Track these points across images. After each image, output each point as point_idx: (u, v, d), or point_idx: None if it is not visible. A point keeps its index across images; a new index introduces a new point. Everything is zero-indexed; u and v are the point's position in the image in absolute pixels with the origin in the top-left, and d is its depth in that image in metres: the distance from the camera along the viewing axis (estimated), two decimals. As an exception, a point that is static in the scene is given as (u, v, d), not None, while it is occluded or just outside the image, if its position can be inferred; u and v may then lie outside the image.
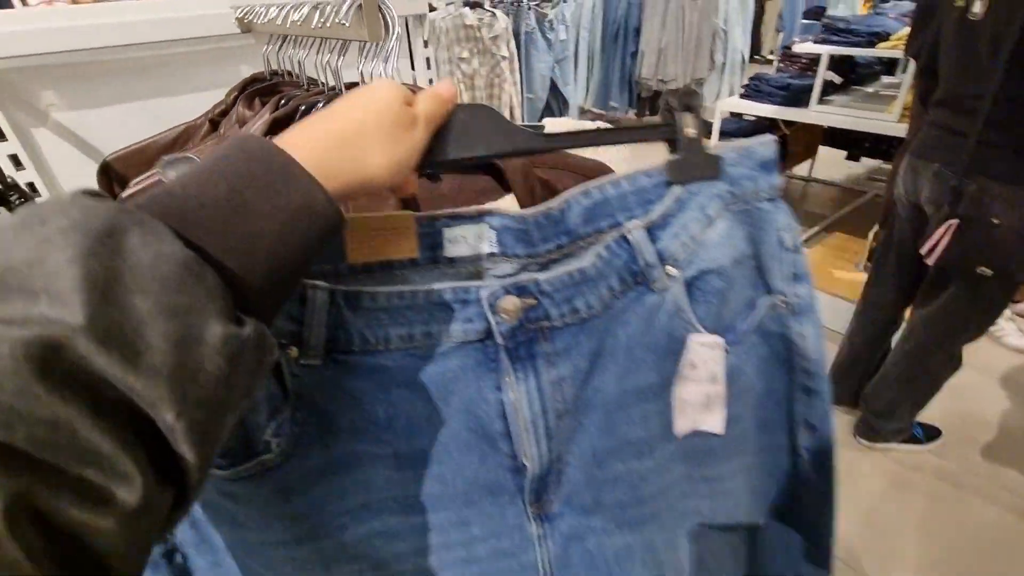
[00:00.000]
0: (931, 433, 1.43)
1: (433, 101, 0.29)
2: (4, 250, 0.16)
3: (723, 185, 0.35)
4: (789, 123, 2.51)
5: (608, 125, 0.41)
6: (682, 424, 0.37)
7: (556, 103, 3.22)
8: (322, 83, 0.51)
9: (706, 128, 2.57)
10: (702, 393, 0.36)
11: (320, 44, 0.50)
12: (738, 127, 2.56)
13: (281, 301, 0.23)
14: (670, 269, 0.34)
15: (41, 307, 0.15)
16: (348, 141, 0.25)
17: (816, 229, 2.55)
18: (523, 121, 3.07)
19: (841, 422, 1.51)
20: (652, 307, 0.34)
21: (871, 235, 1.75)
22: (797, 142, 2.94)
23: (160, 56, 0.72)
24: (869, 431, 1.42)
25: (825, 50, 2.05)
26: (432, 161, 0.30)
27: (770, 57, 5.18)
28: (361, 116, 0.26)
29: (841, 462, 1.40)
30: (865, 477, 1.36)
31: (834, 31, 2.05)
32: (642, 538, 0.38)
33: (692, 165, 0.34)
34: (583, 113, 4.66)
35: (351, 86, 0.51)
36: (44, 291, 0.16)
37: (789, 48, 2.52)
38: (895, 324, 1.38)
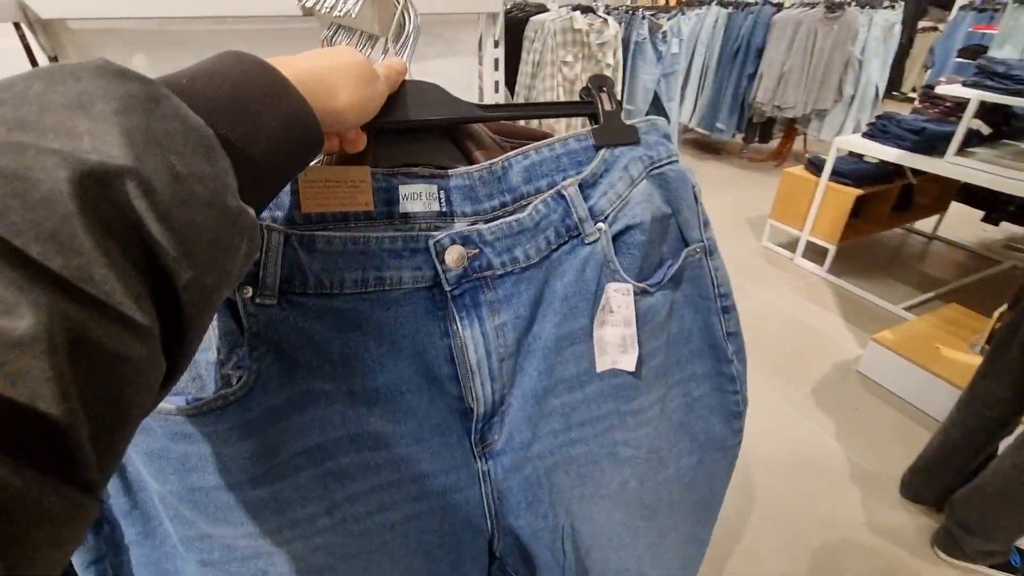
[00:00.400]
0: (1033, 563, 1.19)
1: (389, 68, 0.33)
2: (38, 95, 0.16)
3: (641, 149, 0.41)
4: (918, 171, 2.22)
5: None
6: (602, 363, 0.42)
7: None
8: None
9: (817, 166, 2.34)
10: (619, 335, 0.41)
11: (359, 34, 0.48)
12: (854, 168, 2.30)
13: (267, 200, 0.25)
14: (600, 224, 0.39)
15: (85, 146, 0.16)
16: (322, 77, 0.27)
17: (930, 295, 2.25)
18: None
19: (916, 525, 1.30)
20: (584, 258, 0.39)
21: (996, 314, 1.50)
22: (925, 194, 2.61)
23: (230, 31, 0.74)
24: (952, 545, 1.20)
25: (975, 95, 1.78)
26: (385, 121, 0.34)
27: (912, 95, 4.66)
28: (332, 63, 0.28)
29: (912, 572, 1.21)
30: (936, 596, 1.16)
31: (990, 75, 1.78)
32: (566, 456, 0.43)
33: (614, 131, 0.40)
34: (685, 132, 4.45)
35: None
36: (89, 133, 0.16)
37: (931, 88, 2.22)
38: (1006, 428, 1.16)
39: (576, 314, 0.40)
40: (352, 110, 0.29)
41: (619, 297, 0.40)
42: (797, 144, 4.08)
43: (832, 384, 1.77)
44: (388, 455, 0.38)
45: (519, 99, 2.65)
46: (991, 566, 1.18)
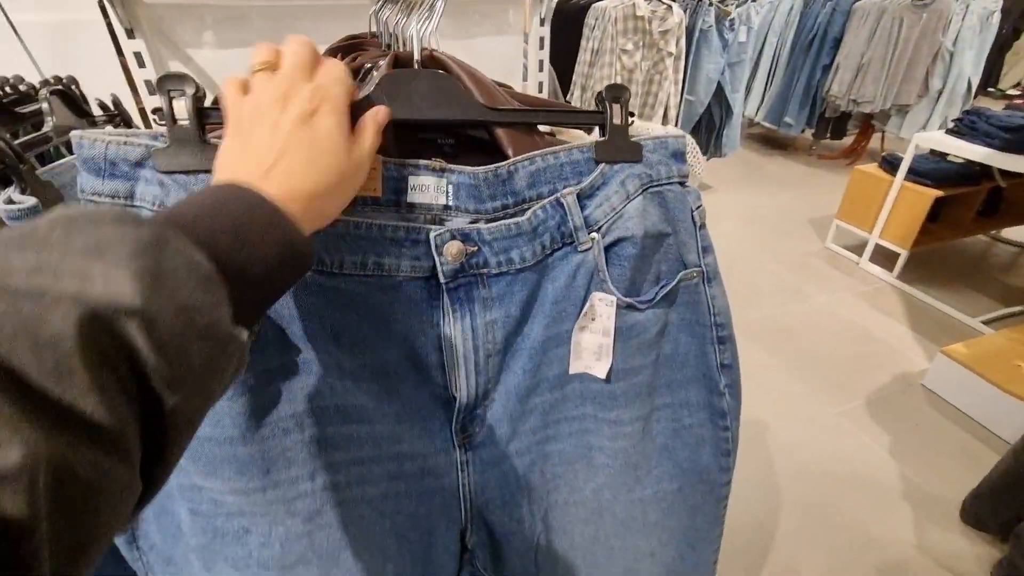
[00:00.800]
0: (1111, 609, 1.07)
1: (373, 132, 0.32)
2: (59, 241, 0.18)
3: (642, 168, 0.41)
4: (1008, 173, 2.02)
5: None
6: (576, 366, 0.43)
7: (719, 110, 2.96)
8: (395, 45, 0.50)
9: (892, 164, 2.18)
10: (596, 343, 0.42)
11: (398, 5, 0.48)
12: (935, 168, 2.13)
13: (260, 317, 0.27)
14: (593, 234, 0.40)
15: (97, 288, 0.18)
16: (315, 199, 0.28)
17: (1014, 309, 2.05)
18: (676, 124, 2.88)
19: (975, 553, 1.21)
20: (576, 265, 0.40)
21: (1089, 334, 1.35)
22: (1016, 198, 2.38)
23: (291, 7, 0.77)
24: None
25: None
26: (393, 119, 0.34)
27: (1012, 92, 4.24)
28: (324, 178, 0.29)
29: None
30: (992, 631, 1.07)
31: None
32: (542, 453, 0.45)
33: (617, 148, 0.41)
34: (750, 126, 4.25)
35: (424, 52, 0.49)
36: (102, 275, 0.18)
37: (1033, 81, 2.01)
38: (1090, 455, 1.05)
39: (564, 318, 0.41)
40: (337, 212, 0.31)
41: (602, 307, 0.41)
42: (873, 142, 3.82)
43: (891, 397, 1.66)
44: (370, 430, 0.39)
45: (575, 88, 2.62)
46: (1060, 605, 1.08)
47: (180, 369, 0.19)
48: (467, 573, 0.45)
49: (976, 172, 2.17)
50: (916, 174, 2.13)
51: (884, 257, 2.30)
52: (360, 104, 0.33)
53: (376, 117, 0.33)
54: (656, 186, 0.42)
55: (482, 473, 0.43)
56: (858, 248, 2.42)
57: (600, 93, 0.40)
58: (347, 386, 0.37)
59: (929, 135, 2.04)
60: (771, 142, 4.23)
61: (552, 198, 0.39)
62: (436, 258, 0.36)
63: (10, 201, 0.28)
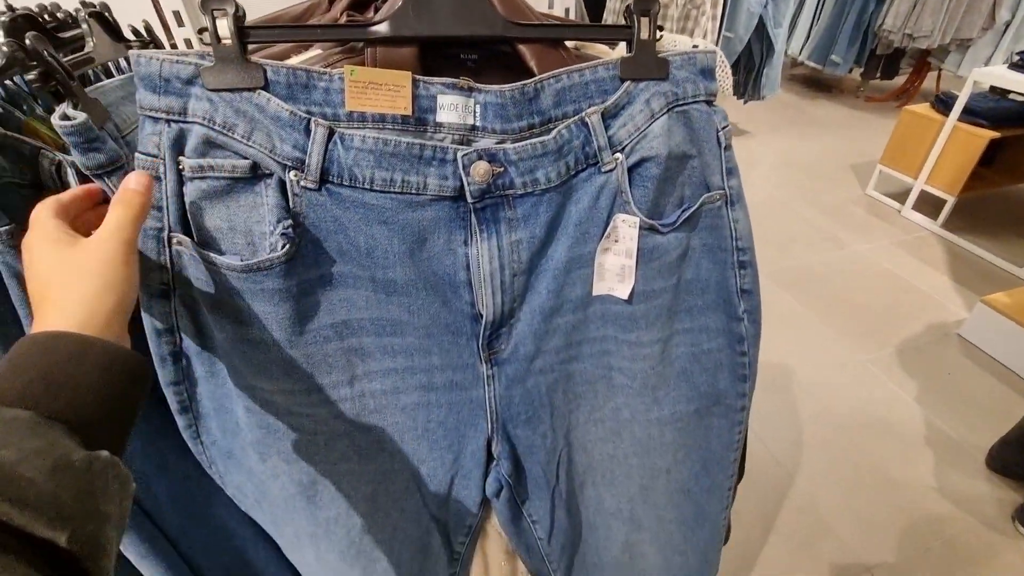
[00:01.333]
0: None
1: (117, 211, 0.30)
2: None
3: (668, 85, 0.41)
4: (1076, 112, 1.87)
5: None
6: (599, 287, 0.44)
7: (760, 47, 2.78)
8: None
9: (947, 103, 2.05)
10: (619, 264, 0.43)
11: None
12: (993, 107, 1.99)
13: (124, 438, 0.28)
14: (617, 154, 0.40)
15: None
16: (96, 304, 0.28)
17: (1066, 259, 1.95)
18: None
19: (997, 498, 1.21)
20: (599, 187, 0.41)
21: None
22: (1082, 140, 2.20)
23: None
24: (1036, 520, 1.11)
25: None
26: (415, 36, 0.36)
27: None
28: (88, 287, 0.28)
29: (982, 546, 1.15)
30: (1007, 568, 1.09)
31: None
32: (565, 373, 0.47)
33: (643, 65, 0.40)
34: (793, 66, 4.01)
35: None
36: None
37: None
38: None
39: (587, 239, 0.42)
40: (128, 291, 0.30)
41: (625, 228, 0.41)
42: (928, 82, 3.56)
43: (925, 346, 1.62)
44: (403, 342, 0.42)
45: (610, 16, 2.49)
46: (1081, 549, 1.09)
47: (51, 508, 0.21)
48: (493, 479, 0.48)
49: (1039, 111, 2.02)
50: (971, 114, 1.99)
51: (929, 205, 2.19)
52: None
53: (122, 197, 0.30)
54: (682, 105, 0.41)
55: (507, 388, 0.45)
56: (901, 196, 2.31)
57: (628, 6, 0.39)
58: (380, 299, 0.39)
59: (989, 70, 1.89)
60: (815, 84, 3.99)
61: (577, 118, 0.39)
62: (464, 178, 0.37)
63: (65, 117, 0.30)
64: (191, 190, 0.34)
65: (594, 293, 0.44)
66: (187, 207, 0.34)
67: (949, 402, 1.44)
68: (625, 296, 0.44)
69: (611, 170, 0.40)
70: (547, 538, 0.55)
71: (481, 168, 0.37)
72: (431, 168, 0.37)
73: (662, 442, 0.52)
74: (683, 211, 0.43)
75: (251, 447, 0.41)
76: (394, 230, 0.37)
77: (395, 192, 0.36)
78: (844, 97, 3.75)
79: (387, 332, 0.41)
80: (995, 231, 2.15)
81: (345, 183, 0.36)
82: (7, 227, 0.31)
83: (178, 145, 0.33)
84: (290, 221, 0.35)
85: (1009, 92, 2.06)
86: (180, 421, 0.41)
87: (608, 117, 0.39)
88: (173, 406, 0.40)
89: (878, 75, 3.50)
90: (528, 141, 0.38)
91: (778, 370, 1.54)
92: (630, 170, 0.41)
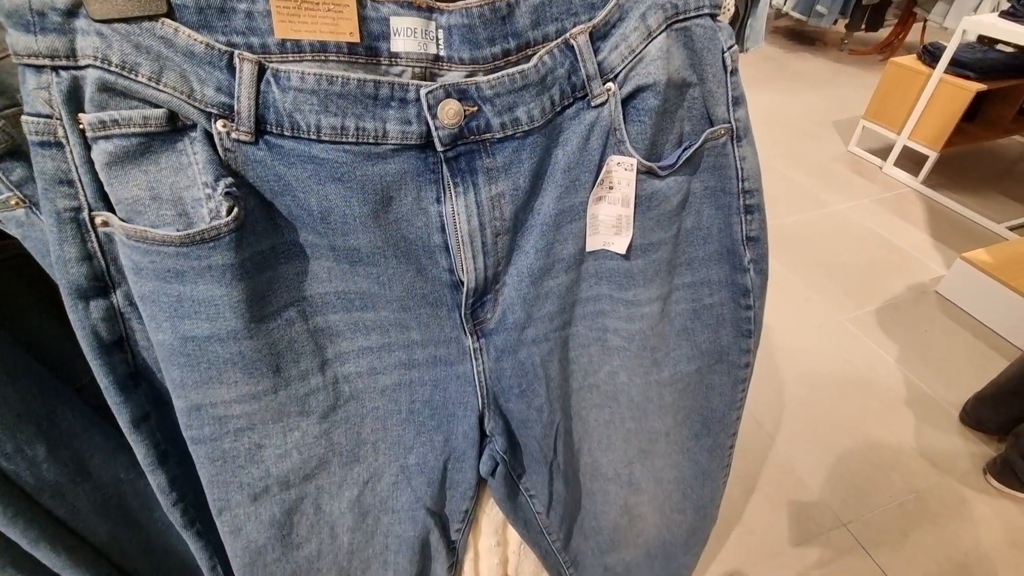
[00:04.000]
0: (1098, 502, 1.11)
1: None
2: None
3: None
4: (1062, 64, 1.84)
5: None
6: (593, 242, 0.39)
7: (745, -3, 2.68)
8: None
9: (934, 54, 2.00)
10: (615, 215, 0.38)
11: None
12: (981, 59, 1.94)
13: None
14: (609, 84, 0.34)
15: None
16: None
17: (1046, 215, 1.96)
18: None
19: (970, 452, 1.23)
20: (589, 124, 0.35)
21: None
22: (1064, 93, 2.18)
23: None
24: (1008, 474, 1.13)
25: None
26: None
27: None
28: None
29: (954, 498, 1.17)
30: (978, 522, 1.11)
31: None
32: (561, 339, 0.43)
33: None
34: (777, 17, 3.89)
35: None
36: None
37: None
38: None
39: (578, 188, 0.36)
40: None
41: (620, 172, 0.36)
42: (913, 35, 3.49)
43: (904, 304, 1.63)
44: (376, 317, 0.37)
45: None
46: (1049, 499, 1.11)
47: None
48: (487, 457, 0.45)
49: (1025, 63, 1.98)
50: (959, 66, 1.95)
51: (911, 161, 2.17)
52: None
53: None
54: (682, 20, 0.34)
55: (497, 361, 0.41)
56: (883, 152, 2.28)
57: None
58: (344, 269, 0.34)
59: (979, 19, 1.83)
60: (799, 36, 3.89)
61: (560, 40, 0.32)
62: (430, 121, 0.31)
63: None
64: (99, 154, 0.27)
65: (588, 249, 0.39)
66: (101, 176, 0.28)
67: (926, 359, 1.46)
68: (623, 250, 0.39)
69: (602, 103, 0.34)
70: (545, 511, 0.52)
71: (450, 108, 0.31)
72: (390, 111, 0.30)
73: (661, 405, 0.48)
74: (684, 150, 0.38)
75: (208, 490, 0.36)
76: (352, 189, 0.31)
77: (348, 142, 0.30)
78: (828, 50, 3.67)
79: (356, 307, 0.36)
80: (976, 187, 2.15)
81: (286, 133, 0.29)
82: None
83: (75, 98, 0.27)
84: (231, 179, 0.29)
85: (997, 42, 2.01)
86: (156, 480, 0.36)
87: (597, 38, 0.33)
88: (140, 450, 0.34)
89: (863, 27, 3.42)
90: (504, 72, 0.31)
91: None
92: (624, 102, 0.35)
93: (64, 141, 0.27)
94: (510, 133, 0.33)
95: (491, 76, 0.31)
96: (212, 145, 0.29)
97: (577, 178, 0.36)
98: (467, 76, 0.32)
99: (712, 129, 0.38)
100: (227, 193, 0.28)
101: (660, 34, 0.34)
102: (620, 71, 0.34)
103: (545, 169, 0.35)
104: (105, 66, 0.26)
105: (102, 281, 0.30)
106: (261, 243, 0.32)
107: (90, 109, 0.27)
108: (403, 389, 0.40)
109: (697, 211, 0.41)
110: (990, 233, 1.90)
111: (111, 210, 0.28)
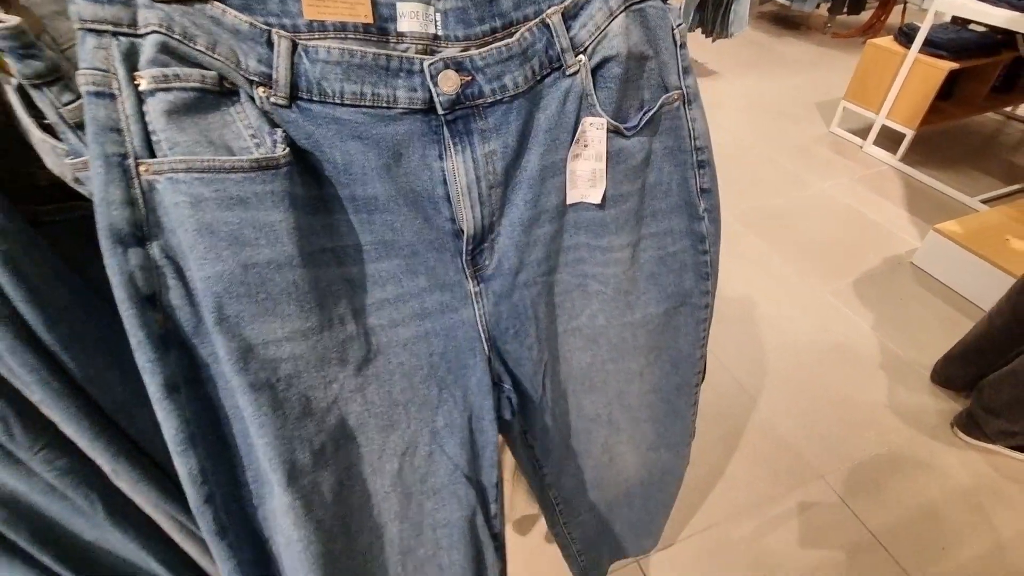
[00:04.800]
0: (1057, 450, 1.19)
1: None
2: None
3: None
4: (1030, 42, 1.91)
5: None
6: (572, 195, 0.45)
7: (728, -17, 2.73)
8: None
9: (909, 36, 2.06)
10: (589, 169, 0.44)
11: None
12: (954, 38, 2.01)
13: None
14: (580, 56, 0.40)
15: None
16: None
17: (1015, 187, 2.04)
18: (680, 9, 2.67)
19: (939, 409, 1.31)
20: (565, 91, 0.41)
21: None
22: (1035, 71, 2.26)
23: None
24: (972, 425, 1.21)
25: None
26: None
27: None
28: None
29: (924, 451, 1.24)
30: (945, 471, 1.19)
31: None
32: (546, 285, 0.48)
33: None
34: (761, 3, 3.95)
35: None
36: None
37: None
38: (1058, 315, 1.10)
39: (558, 146, 0.42)
40: None
41: (593, 131, 0.42)
42: (894, 18, 3.56)
43: (880, 276, 1.70)
44: (389, 267, 0.42)
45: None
46: (1010, 447, 1.19)
47: None
48: (504, 401, 0.50)
49: (997, 42, 2.05)
50: (933, 46, 2.02)
51: (889, 140, 2.24)
52: None
53: None
54: (638, 3, 0.41)
55: (495, 304, 0.46)
56: (863, 132, 2.35)
57: None
58: (363, 219, 0.39)
59: (951, 0, 1.90)
60: (783, 21, 3.94)
61: (537, 19, 0.38)
62: (432, 89, 0.37)
63: None
64: (156, 104, 0.31)
65: (568, 202, 0.45)
66: (152, 126, 0.31)
67: (900, 326, 1.53)
68: (598, 200, 0.45)
69: (575, 72, 0.40)
70: (537, 446, 0.58)
71: (449, 77, 0.37)
72: (399, 80, 0.36)
73: (635, 345, 0.55)
74: (644, 113, 0.44)
75: (270, 463, 0.38)
76: (369, 145, 0.37)
77: (366, 106, 0.36)
78: (811, 34, 3.72)
79: (373, 258, 0.41)
80: (950, 163, 2.22)
81: (315, 98, 0.35)
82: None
83: (131, 60, 0.31)
84: (282, 130, 0.34)
85: (970, 23, 2.08)
86: (186, 465, 0.36)
87: (568, 18, 0.39)
88: (170, 425, 0.35)
89: (845, 10, 3.48)
90: (492, 46, 0.37)
91: (743, 304, 1.61)
92: (593, 72, 0.41)
93: (117, 93, 0.30)
94: (499, 98, 0.39)
95: (482, 50, 0.37)
96: (255, 106, 0.34)
97: (557, 137, 0.42)
98: (462, 51, 0.37)
99: (667, 95, 0.45)
100: (283, 138, 0.34)
101: (620, 14, 0.40)
102: (589, 45, 0.40)
103: (530, 130, 0.41)
104: (169, 33, 0.31)
105: (140, 231, 0.32)
106: (304, 191, 0.36)
107: (149, 66, 0.31)
108: (420, 342, 0.44)
109: (659, 168, 0.47)
110: (964, 206, 1.97)
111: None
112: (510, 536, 1.10)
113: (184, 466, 0.36)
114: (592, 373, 0.56)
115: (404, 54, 0.36)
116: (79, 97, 0.31)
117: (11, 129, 0.34)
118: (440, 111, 0.38)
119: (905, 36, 2.11)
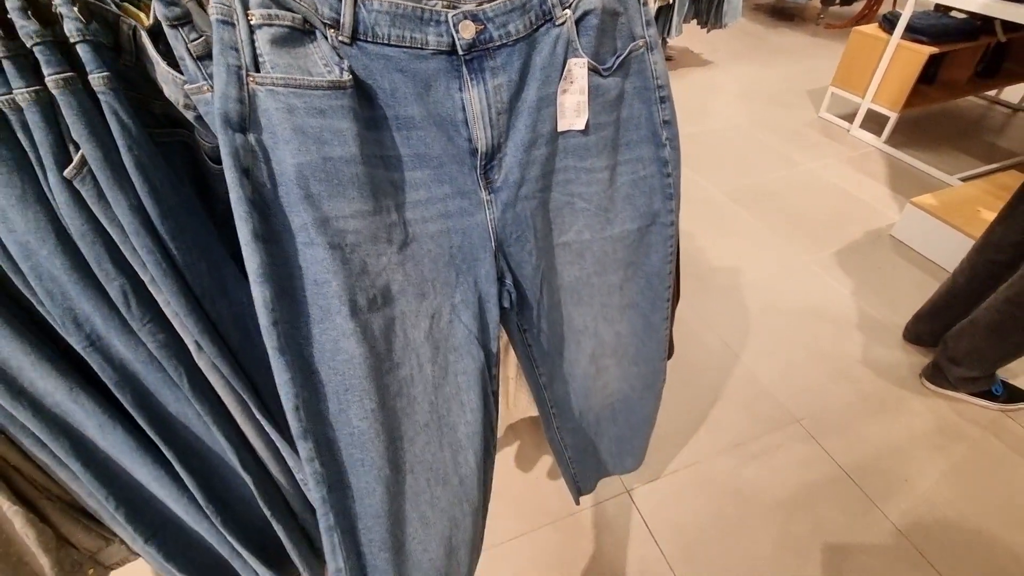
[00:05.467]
0: (1016, 396, 1.29)
1: None
2: None
3: None
4: (1011, 26, 2.01)
5: None
6: (562, 124, 0.56)
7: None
8: None
9: (892, 23, 2.16)
10: (575, 101, 0.55)
11: None
12: (934, 24, 2.11)
13: None
14: (566, 10, 0.51)
15: None
16: None
17: (994, 166, 2.14)
18: (677, -7, 2.76)
19: (910, 363, 1.42)
20: (555, 38, 0.52)
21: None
22: (1018, 56, 2.36)
23: None
24: (937, 375, 1.32)
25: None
26: None
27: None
28: None
29: (893, 399, 1.36)
30: (912, 415, 1.30)
31: None
32: (542, 200, 0.59)
33: None
34: (758, -5, 4.04)
35: None
36: None
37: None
38: (1011, 271, 1.21)
39: (550, 82, 0.53)
40: None
41: (577, 69, 0.53)
42: (886, 7, 3.65)
43: (860, 247, 1.81)
44: (422, 176, 0.53)
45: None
46: (972, 394, 1.30)
47: None
48: (505, 293, 0.61)
49: (976, 27, 2.15)
50: (914, 32, 2.12)
51: (875, 123, 2.34)
52: None
53: None
54: None
55: (502, 212, 0.57)
56: (851, 116, 2.45)
57: None
58: (403, 136, 0.50)
59: (929, -13, 2.00)
60: (779, 13, 4.04)
61: None
62: (454, 35, 0.47)
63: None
64: (262, 36, 0.42)
65: (559, 129, 0.56)
66: (259, 50, 0.42)
67: (877, 291, 1.64)
68: (582, 127, 0.56)
69: (563, 23, 0.51)
70: (535, 346, 0.70)
71: (467, 26, 0.47)
72: (430, 27, 0.47)
73: (615, 259, 0.66)
74: (617, 57, 0.56)
75: (338, 301, 0.48)
76: (408, 76, 0.48)
77: (406, 46, 0.47)
78: (805, 25, 3.82)
79: (409, 167, 0.52)
80: (933, 144, 2.32)
81: (370, 39, 0.46)
82: (104, 74, 0.42)
83: (244, 1, 0.41)
84: (347, 62, 0.45)
85: (951, 10, 2.18)
86: (260, 294, 0.45)
87: None
88: (253, 261, 0.44)
89: (837, 2, 3.57)
90: (499, 1, 0.48)
91: (730, 272, 1.72)
92: (577, 23, 0.52)
93: (235, 23, 0.40)
94: (504, 42, 0.50)
95: (491, 4, 0.48)
96: (327, 43, 0.45)
97: (549, 75, 0.53)
98: (476, 5, 0.49)
99: (635, 43, 0.56)
100: (348, 68, 0.45)
101: None
102: (572, 1, 0.51)
103: (528, 68, 0.52)
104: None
105: (244, 123, 0.42)
106: (361, 108, 0.47)
107: (258, 8, 0.41)
108: (444, 236, 0.55)
109: (630, 105, 0.59)
110: (944, 184, 2.07)
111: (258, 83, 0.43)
112: (514, 473, 1.22)
113: (260, 295, 0.45)
114: (580, 287, 0.68)
115: (433, 8, 0.47)
116: (202, 36, 0.42)
117: (139, 67, 0.46)
118: (460, 52, 0.48)
119: (888, 22, 2.21)
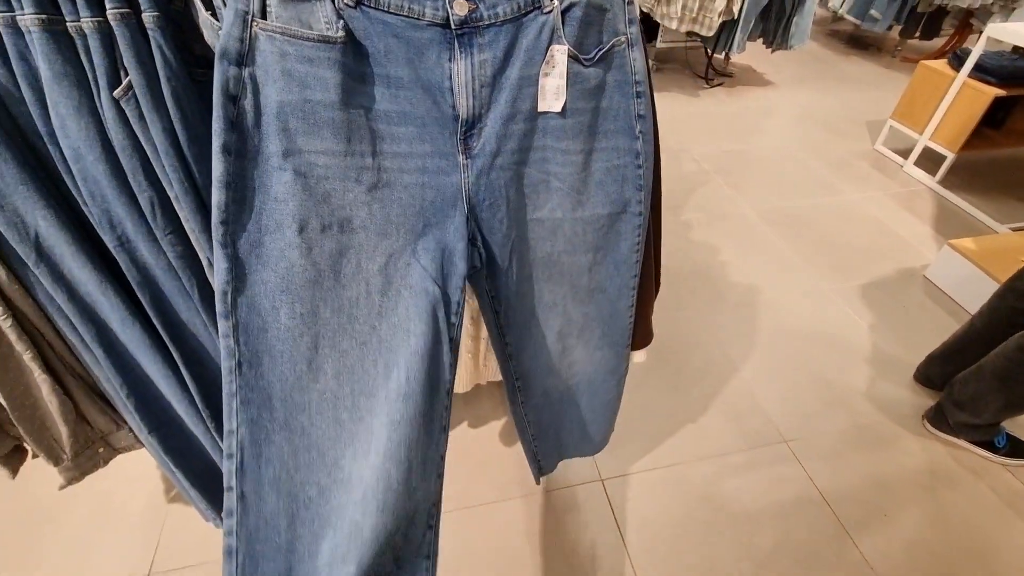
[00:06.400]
0: (1019, 451, 1.25)
1: None
2: None
3: None
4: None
5: None
6: (542, 105, 0.61)
7: (792, -4, 2.78)
8: None
9: (960, 60, 2.09)
10: (555, 85, 0.59)
11: None
12: (1005, 65, 2.02)
13: None
14: (554, 1, 0.56)
15: None
16: None
17: (1052, 220, 2.03)
18: (742, 8, 2.74)
19: (915, 404, 1.39)
20: (541, 24, 0.56)
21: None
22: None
23: None
24: (940, 418, 1.29)
25: None
26: None
27: None
28: None
29: (890, 435, 1.35)
30: (905, 454, 1.28)
31: None
32: (517, 174, 0.64)
33: None
34: (835, 20, 3.92)
35: None
36: None
37: None
38: (1031, 320, 1.17)
39: (532, 64, 0.57)
40: None
41: (559, 56, 0.58)
42: (970, 44, 3.47)
43: (889, 283, 1.76)
44: (405, 132, 0.58)
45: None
46: (972, 441, 1.26)
47: None
48: (475, 253, 0.65)
49: (1054, 74, 2.04)
50: (982, 71, 2.03)
51: (931, 161, 2.26)
52: None
53: None
54: None
55: (477, 178, 0.61)
56: (907, 152, 2.37)
57: None
58: (392, 93, 0.56)
59: (1003, 26, 1.92)
60: (855, 41, 3.91)
61: None
62: (448, 10, 0.52)
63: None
64: None
65: (539, 110, 0.61)
66: (268, 2, 0.48)
67: (897, 329, 1.60)
68: (559, 109, 0.61)
69: (550, 12, 0.56)
70: (501, 315, 0.75)
71: (460, 3, 0.53)
72: (427, 1, 0.52)
73: (585, 240, 0.70)
74: (599, 50, 0.60)
75: (288, 219, 0.53)
76: (403, 41, 0.53)
77: (404, 15, 0.52)
78: (880, 56, 3.69)
79: (395, 122, 0.57)
80: (989, 191, 2.22)
81: (372, 5, 0.52)
82: (155, 14, 0.50)
83: None
84: (344, 22, 0.52)
85: (1028, 53, 2.08)
86: (217, 196, 0.51)
87: None
88: (217, 170, 0.50)
89: (917, 35, 3.43)
90: None
91: (748, 289, 1.71)
92: (563, 13, 0.56)
93: None
94: (493, 21, 0.54)
95: None
96: (332, 5, 0.51)
97: (532, 57, 0.57)
98: None
99: (617, 37, 0.60)
100: (344, 27, 0.51)
101: None
102: None
103: (513, 49, 0.56)
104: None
105: (241, 59, 0.48)
106: (350, 63, 0.53)
107: None
108: (418, 188, 0.58)
109: (610, 96, 0.63)
110: (992, 232, 1.99)
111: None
112: (495, 444, 1.28)
113: (216, 198, 0.51)
114: (550, 263, 0.72)
115: None
116: (235, -11, 0.50)
117: (187, 12, 0.55)
118: (452, 27, 0.54)
119: (957, 59, 2.13)
